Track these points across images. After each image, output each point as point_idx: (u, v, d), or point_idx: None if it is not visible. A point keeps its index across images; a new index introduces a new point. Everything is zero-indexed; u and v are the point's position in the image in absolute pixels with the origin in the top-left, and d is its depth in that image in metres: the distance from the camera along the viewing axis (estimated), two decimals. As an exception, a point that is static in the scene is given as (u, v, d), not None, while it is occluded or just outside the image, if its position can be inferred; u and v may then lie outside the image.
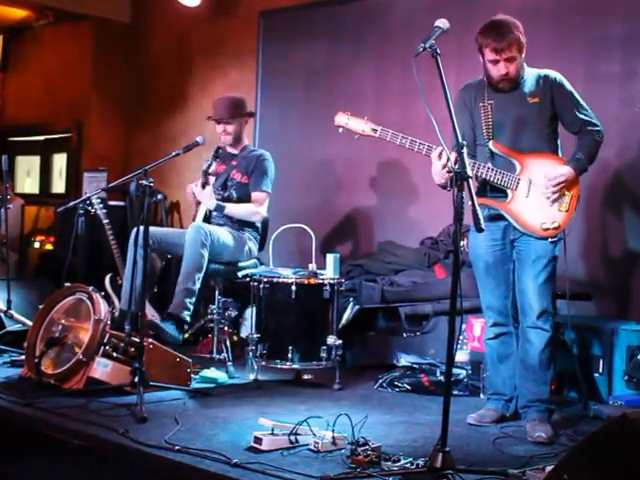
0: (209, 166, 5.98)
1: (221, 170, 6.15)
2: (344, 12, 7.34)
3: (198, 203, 6.08)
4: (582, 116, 4.42)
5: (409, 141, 4.32)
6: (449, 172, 4.03)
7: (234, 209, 6.00)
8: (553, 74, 4.46)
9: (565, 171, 4.33)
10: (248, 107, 6.38)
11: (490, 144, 4.41)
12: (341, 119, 4.48)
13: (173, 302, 5.60)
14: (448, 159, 4.02)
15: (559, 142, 4.51)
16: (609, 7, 5.79)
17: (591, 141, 4.41)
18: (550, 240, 4.36)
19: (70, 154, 9.31)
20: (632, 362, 5.01)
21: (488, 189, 4.45)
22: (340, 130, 4.49)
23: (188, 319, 5.59)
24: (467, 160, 3.68)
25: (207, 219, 6.08)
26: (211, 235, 5.67)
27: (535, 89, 4.42)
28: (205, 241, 5.60)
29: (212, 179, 6.05)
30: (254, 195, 6.08)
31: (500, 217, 4.43)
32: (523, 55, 4.36)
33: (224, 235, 5.87)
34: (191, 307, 5.59)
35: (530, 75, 4.46)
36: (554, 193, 4.33)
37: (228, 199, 6.06)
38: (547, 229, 4.35)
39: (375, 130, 4.40)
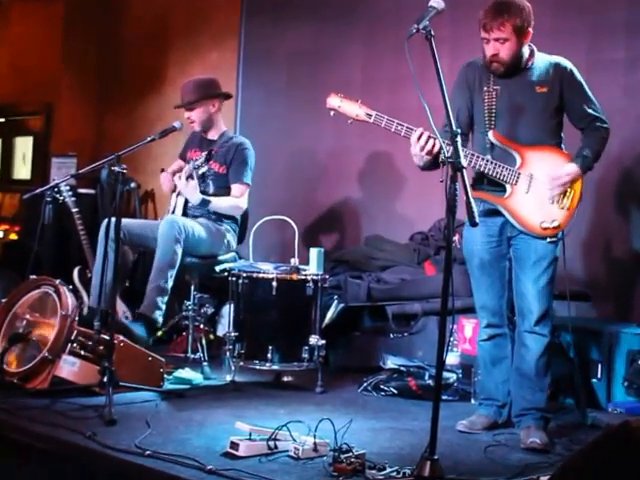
0: (199, 166, 5.89)
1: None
2: (332, -9, 7.32)
3: (177, 194, 6.03)
4: (591, 111, 4.37)
5: (405, 129, 4.20)
6: (428, 155, 4.05)
7: (218, 203, 5.93)
8: (564, 63, 4.39)
9: (570, 170, 4.30)
10: (221, 88, 6.22)
11: (490, 134, 4.34)
12: (334, 101, 4.33)
13: (144, 301, 5.57)
14: (427, 142, 4.03)
15: (563, 135, 4.46)
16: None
17: (599, 138, 4.38)
18: (549, 240, 4.33)
19: (36, 138, 9.23)
20: (632, 367, 5.01)
21: (485, 182, 4.38)
22: (332, 113, 4.33)
23: (160, 319, 5.57)
24: (461, 150, 3.66)
25: (184, 210, 6.04)
26: (185, 229, 5.62)
27: (544, 78, 4.35)
28: (179, 236, 5.56)
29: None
30: (234, 187, 6.02)
31: (497, 212, 4.39)
32: (525, 40, 4.27)
33: (200, 228, 5.82)
34: (163, 306, 5.57)
35: (540, 62, 4.39)
36: (558, 193, 4.31)
37: (204, 191, 5.98)
38: (547, 228, 4.31)
39: (370, 115, 4.27)
